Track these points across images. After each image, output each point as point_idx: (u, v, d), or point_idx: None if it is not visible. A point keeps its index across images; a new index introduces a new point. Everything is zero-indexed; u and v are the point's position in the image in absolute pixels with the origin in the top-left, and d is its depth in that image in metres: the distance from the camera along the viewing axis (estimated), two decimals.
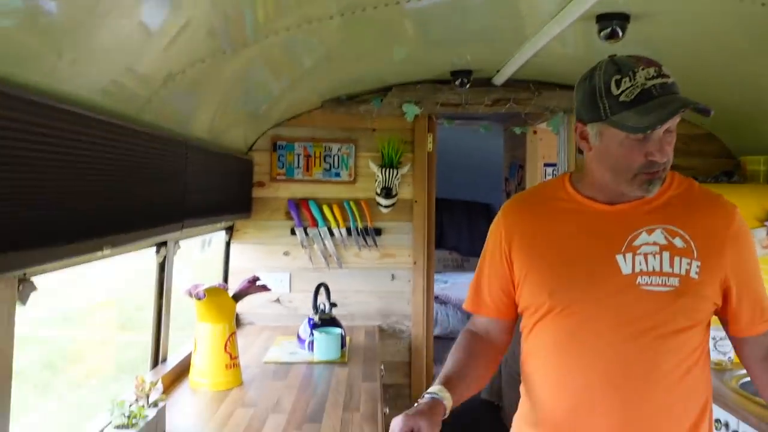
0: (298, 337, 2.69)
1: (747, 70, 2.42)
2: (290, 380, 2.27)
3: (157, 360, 2.22)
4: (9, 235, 1.06)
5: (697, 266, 1.28)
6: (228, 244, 3.21)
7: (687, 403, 1.34)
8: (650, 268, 1.28)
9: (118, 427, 1.52)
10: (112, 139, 1.44)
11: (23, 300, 1.30)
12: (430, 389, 1.36)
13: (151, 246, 2.11)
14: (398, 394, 3.18)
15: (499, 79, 3.00)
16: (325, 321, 2.68)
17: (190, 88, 1.91)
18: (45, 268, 1.38)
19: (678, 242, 1.29)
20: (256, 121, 3.02)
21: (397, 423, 1.26)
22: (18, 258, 1.10)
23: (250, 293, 2.26)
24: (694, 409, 1.35)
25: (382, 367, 2.76)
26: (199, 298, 2.07)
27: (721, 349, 2.45)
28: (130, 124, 1.55)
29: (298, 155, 3.18)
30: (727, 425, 2.15)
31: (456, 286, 7.31)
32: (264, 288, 2.29)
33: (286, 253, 3.22)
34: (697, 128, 3.19)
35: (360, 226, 3.17)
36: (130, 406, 1.62)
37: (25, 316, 1.34)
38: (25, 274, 1.30)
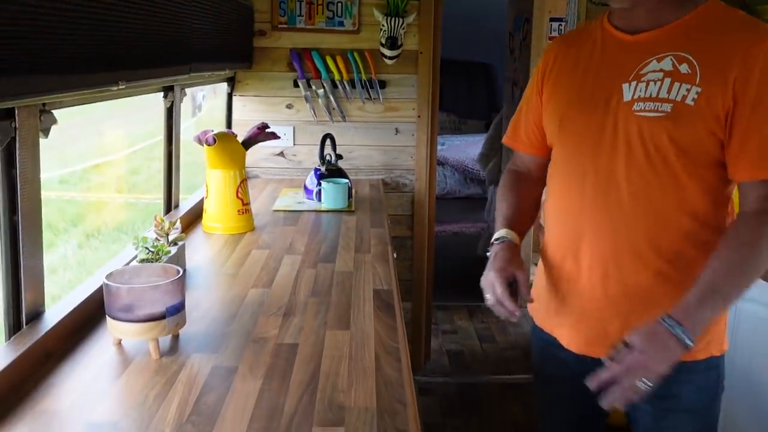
0: (305, 187, 2.72)
1: None
2: (300, 226, 2.33)
3: (169, 206, 2.26)
4: (28, 60, 1.03)
5: (696, 92, 1.22)
6: (230, 96, 3.16)
7: (678, 262, 1.30)
8: (647, 94, 1.26)
9: (143, 260, 1.57)
10: None
11: (45, 132, 1.29)
12: (498, 234, 1.46)
13: (159, 90, 2.07)
14: (401, 245, 3.28)
15: None
16: (332, 171, 2.70)
17: None
18: (63, 100, 1.36)
19: (684, 68, 1.24)
20: None
21: (491, 279, 1.35)
22: (37, 82, 1.07)
23: (260, 140, 2.26)
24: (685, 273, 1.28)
25: (388, 217, 2.83)
26: (210, 144, 2.07)
27: None
28: None
29: (300, 2, 3.05)
30: None
31: (453, 147, 7.34)
32: (273, 135, 2.28)
33: (289, 106, 3.18)
34: None
35: (364, 77, 3.11)
36: (155, 241, 1.66)
37: None
38: (45, 106, 1.29)
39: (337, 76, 3.10)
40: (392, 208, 3.24)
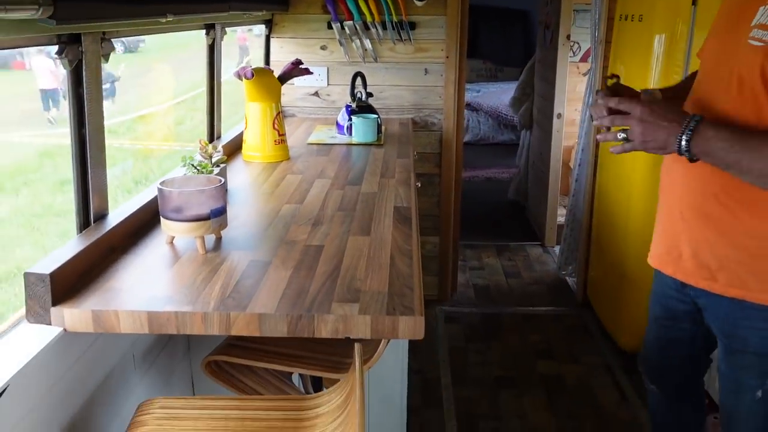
0: (337, 123, 2.90)
1: None
2: (332, 156, 2.51)
3: (212, 136, 2.47)
4: None
5: None
6: (268, 38, 3.33)
7: (745, 201, 1.34)
8: (764, 21, 1.24)
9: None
10: None
11: (106, 57, 1.49)
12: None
13: (201, 27, 2.26)
14: (429, 182, 3.45)
15: None
16: (362, 108, 2.87)
17: None
18: (119, 29, 1.55)
19: None
20: None
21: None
22: (97, 8, 1.26)
23: (294, 75, 2.43)
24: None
25: (415, 153, 2.99)
26: (248, 78, 2.25)
27: None
28: None
29: None
30: None
31: (488, 95, 7.40)
32: (306, 71, 2.45)
33: (323, 47, 3.33)
34: None
35: (395, 19, 3.24)
36: (201, 162, 1.87)
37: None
38: (104, 34, 1.48)
39: (369, 18, 3.24)
40: (421, 146, 3.40)
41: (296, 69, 2.41)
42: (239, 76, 2.30)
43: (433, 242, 3.56)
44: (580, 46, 4.80)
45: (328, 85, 3.38)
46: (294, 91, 3.38)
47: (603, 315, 3.33)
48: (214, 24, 2.32)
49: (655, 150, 1.31)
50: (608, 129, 1.37)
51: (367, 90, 3.08)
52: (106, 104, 1.52)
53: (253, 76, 2.26)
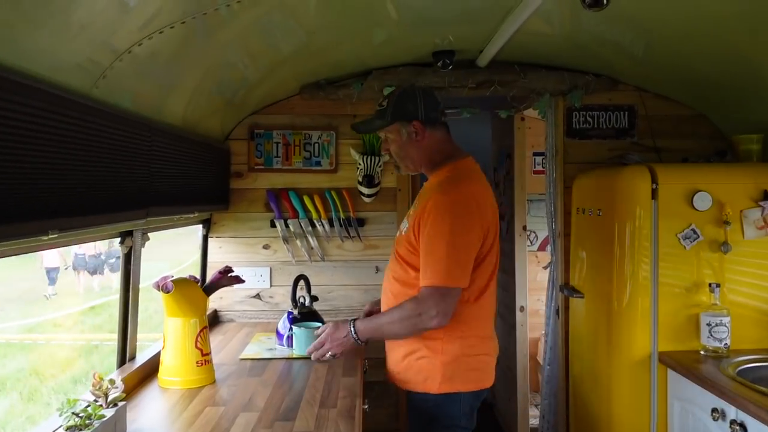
0: (277, 332, 2.57)
1: (732, 41, 2.32)
2: (266, 377, 2.15)
3: (124, 358, 2.10)
4: None
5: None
6: (205, 238, 3.09)
7: None
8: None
9: (69, 428, 1.40)
10: (56, 112, 1.32)
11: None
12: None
13: (114, 235, 1.99)
14: (384, 393, 3.06)
15: (483, 60, 2.90)
16: (305, 315, 2.56)
17: (164, 68, 1.81)
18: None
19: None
20: (232, 109, 2.91)
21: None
22: None
23: (222, 285, 2.14)
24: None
25: (366, 362, 2.65)
26: (167, 291, 1.95)
27: (717, 336, 2.35)
28: (80, 98, 1.43)
29: (277, 144, 3.07)
30: (723, 414, 2.05)
31: None
32: (237, 279, 2.17)
33: (266, 247, 3.10)
34: (688, 109, 3.10)
35: (342, 216, 3.06)
36: (87, 406, 1.50)
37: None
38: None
39: (315, 215, 3.05)
40: (374, 351, 3.05)
41: (225, 278, 2.12)
42: (158, 287, 2.00)
43: None
44: (537, 236, 4.71)
45: (271, 286, 3.10)
46: (233, 293, 3.08)
47: None
48: (131, 231, 2.06)
49: (341, 344, 2.13)
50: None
51: (312, 293, 2.81)
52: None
53: (172, 288, 1.95)
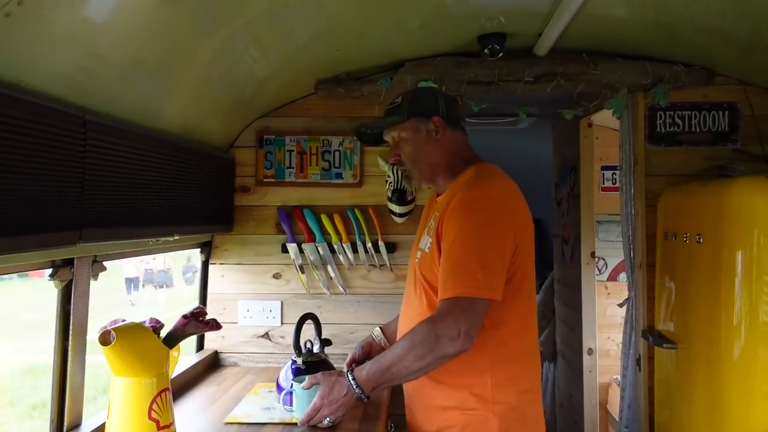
0: (278, 385, 2.03)
1: None
2: None
3: (61, 428, 1.59)
4: None
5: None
6: (205, 265, 2.59)
7: None
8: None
9: None
10: None
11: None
12: None
13: (40, 266, 1.49)
14: None
15: (542, 47, 2.31)
16: (313, 365, 2.00)
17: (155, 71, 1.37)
18: None
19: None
20: (238, 111, 2.42)
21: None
22: None
23: (189, 334, 1.61)
24: None
25: (392, 426, 2.08)
26: (106, 343, 1.43)
27: None
28: None
29: (290, 152, 2.55)
30: None
31: None
32: (210, 326, 1.63)
33: (276, 276, 2.57)
34: None
35: (368, 240, 2.51)
36: None
37: None
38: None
39: (334, 239, 2.51)
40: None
41: (191, 323, 1.59)
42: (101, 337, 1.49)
43: None
44: (606, 264, 4.04)
45: (282, 324, 2.56)
46: (238, 331, 2.56)
47: None
48: (72, 260, 1.57)
49: (342, 405, 1.62)
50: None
51: (333, 332, 2.27)
52: None
53: (113, 339, 1.44)
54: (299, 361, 2.02)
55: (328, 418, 1.64)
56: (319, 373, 1.69)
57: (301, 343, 2.06)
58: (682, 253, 2.22)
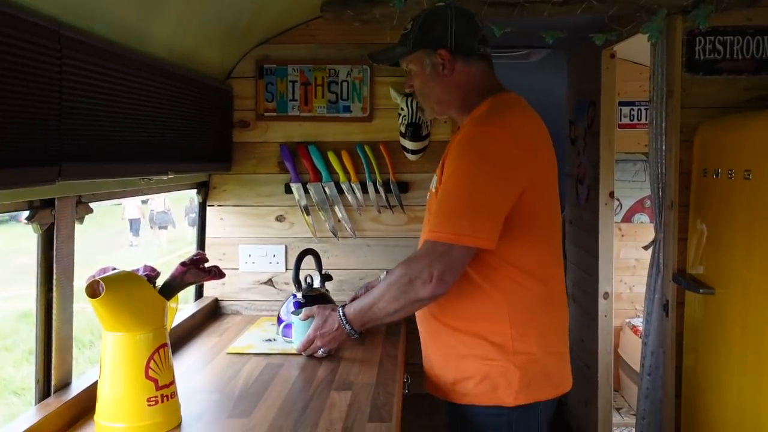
0: (279, 318, 1.95)
1: None
2: (258, 384, 1.45)
3: (47, 389, 1.43)
4: None
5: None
6: (203, 207, 2.40)
7: None
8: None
9: None
10: None
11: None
12: None
13: (14, 207, 1.30)
14: (434, 407, 2.35)
15: None
16: (313, 299, 1.90)
17: None
18: None
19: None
20: (235, 36, 2.18)
21: None
22: None
23: (189, 283, 1.43)
24: None
25: (407, 377, 1.94)
26: (95, 295, 1.25)
27: None
28: None
29: (293, 83, 2.33)
30: None
31: None
32: (213, 274, 1.45)
33: (279, 218, 2.39)
34: None
35: (379, 179, 2.32)
36: None
37: None
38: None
39: (342, 178, 2.32)
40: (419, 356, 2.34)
41: (192, 272, 1.41)
42: (88, 289, 1.31)
43: None
44: (621, 204, 3.86)
45: (286, 270, 2.39)
46: (239, 278, 2.39)
47: None
48: (53, 200, 1.37)
49: (333, 339, 1.67)
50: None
51: (339, 275, 2.12)
52: None
53: (103, 291, 1.26)
54: (299, 295, 1.91)
55: (321, 350, 1.73)
56: (315, 306, 1.70)
57: (301, 278, 1.99)
58: (722, 191, 2.04)
